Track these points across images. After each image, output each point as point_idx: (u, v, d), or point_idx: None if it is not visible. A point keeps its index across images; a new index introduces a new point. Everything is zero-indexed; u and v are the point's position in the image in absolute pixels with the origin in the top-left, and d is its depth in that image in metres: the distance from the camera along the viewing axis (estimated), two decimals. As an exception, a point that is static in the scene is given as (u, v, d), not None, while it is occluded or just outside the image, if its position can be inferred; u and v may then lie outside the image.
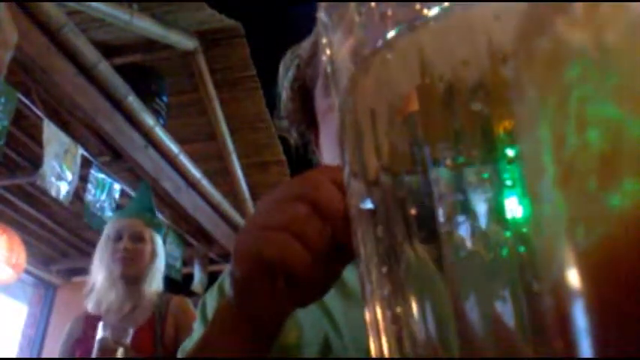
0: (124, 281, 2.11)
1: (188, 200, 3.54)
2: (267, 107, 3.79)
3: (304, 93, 0.73)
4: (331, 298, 0.56)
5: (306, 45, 0.73)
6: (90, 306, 2.14)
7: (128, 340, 1.83)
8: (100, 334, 1.81)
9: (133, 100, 2.87)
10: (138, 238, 2.18)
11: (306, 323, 0.60)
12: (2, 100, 2.18)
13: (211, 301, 0.69)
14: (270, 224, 0.38)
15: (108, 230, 2.23)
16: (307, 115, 0.73)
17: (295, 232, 0.37)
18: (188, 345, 0.66)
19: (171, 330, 2.06)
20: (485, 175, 0.19)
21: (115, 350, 1.79)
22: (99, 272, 2.16)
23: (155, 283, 2.20)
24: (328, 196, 0.38)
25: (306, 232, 0.37)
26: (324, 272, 0.39)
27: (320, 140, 0.71)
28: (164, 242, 3.47)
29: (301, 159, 0.81)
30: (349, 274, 0.41)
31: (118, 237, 2.17)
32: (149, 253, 2.19)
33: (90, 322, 2.10)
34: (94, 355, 1.79)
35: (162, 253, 2.28)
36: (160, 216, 2.65)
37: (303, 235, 0.37)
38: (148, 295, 2.13)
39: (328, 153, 0.68)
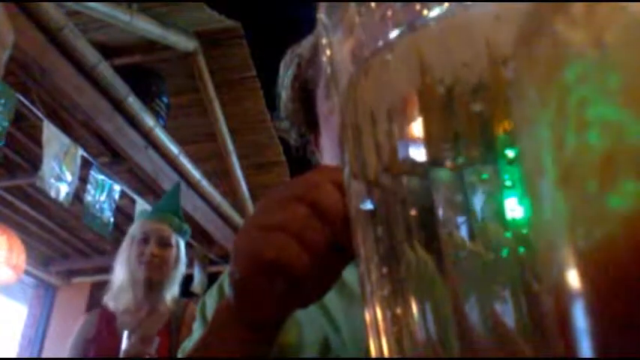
0: (145, 285, 2.09)
1: (188, 201, 3.53)
2: (267, 108, 3.79)
3: (305, 93, 0.72)
4: (331, 298, 0.56)
5: (307, 44, 0.72)
6: (110, 305, 2.13)
7: (154, 349, 1.83)
8: (125, 343, 1.81)
9: (132, 101, 2.87)
10: (165, 244, 2.15)
11: (306, 323, 0.60)
12: (2, 100, 2.18)
13: (211, 301, 0.69)
14: (269, 225, 0.38)
15: (134, 231, 2.19)
16: (308, 116, 0.73)
17: (295, 233, 0.37)
18: (188, 345, 0.66)
19: (187, 336, 2.04)
20: (486, 176, 0.19)
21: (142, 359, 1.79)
22: (121, 272, 2.13)
23: (174, 289, 2.18)
24: (328, 196, 0.38)
25: (306, 233, 0.37)
26: (324, 273, 0.39)
27: (321, 141, 0.71)
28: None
29: (301, 159, 0.81)
30: (349, 274, 0.41)
31: (145, 240, 2.13)
32: (173, 258, 2.17)
33: (105, 320, 2.09)
34: None
35: (184, 260, 2.26)
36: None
37: (302, 236, 0.37)
38: (165, 301, 2.12)
39: (329, 154, 0.68)
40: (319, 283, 0.40)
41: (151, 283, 2.09)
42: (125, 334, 1.83)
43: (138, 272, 2.08)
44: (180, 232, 2.27)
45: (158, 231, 2.17)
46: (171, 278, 2.15)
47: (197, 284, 3.84)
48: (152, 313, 2.08)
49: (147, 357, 1.82)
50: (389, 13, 0.22)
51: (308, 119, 0.73)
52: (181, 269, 2.21)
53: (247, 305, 0.42)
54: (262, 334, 0.44)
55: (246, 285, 0.40)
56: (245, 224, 0.42)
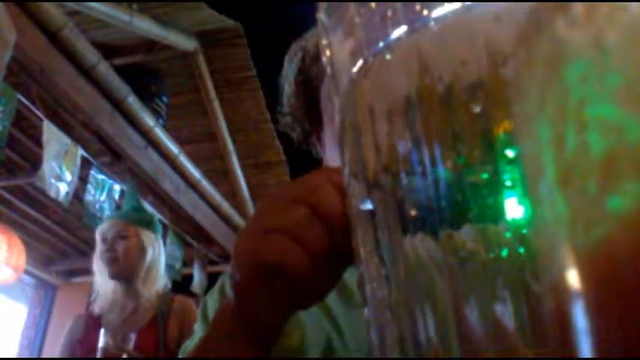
0: (119, 281, 2.14)
1: (188, 201, 3.53)
2: (267, 108, 3.79)
3: (309, 89, 0.71)
4: (333, 299, 0.56)
5: (312, 39, 0.71)
6: (96, 308, 2.17)
7: (131, 345, 1.84)
8: (101, 341, 1.83)
9: (132, 101, 2.87)
10: (120, 237, 2.20)
11: (308, 325, 0.60)
12: (2, 100, 2.18)
13: (212, 302, 0.69)
14: (269, 227, 0.38)
15: (97, 236, 2.28)
16: (311, 112, 0.72)
17: (295, 236, 0.37)
18: (189, 346, 0.66)
19: (174, 331, 2.06)
20: (486, 176, 0.19)
21: (119, 357, 1.80)
22: (97, 277, 2.22)
23: (153, 282, 2.20)
24: (328, 199, 0.37)
25: (306, 236, 0.37)
26: (324, 275, 0.39)
27: (324, 139, 0.71)
28: (164, 243, 3.47)
29: (302, 158, 0.80)
30: (350, 275, 0.41)
31: (104, 239, 2.21)
32: (134, 248, 2.20)
33: (92, 322, 2.12)
34: None
35: (153, 249, 2.27)
36: (153, 214, 2.68)
37: (302, 239, 0.37)
38: (147, 295, 2.14)
39: (332, 154, 0.68)
40: (320, 286, 0.40)
41: (121, 278, 2.14)
42: (102, 332, 1.86)
43: (105, 272, 2.15)
44: (139, 222, 2.30)
45: (113, 227, 2.23)
46: (140, 270, 2.17)
47: (197, 284, 3.84)
48: (136, 310, 2.11)
49: (129, 355, 1.82)
50: (389, 13, 0.22)
51: (311, 115, 0.72)
52: (150, 259, 2.22)
53: (248, 308, 0.42)
54: (263, 336, 0.44)
55: (246, 287, 0.40)
56: (245, 227, 0.42)
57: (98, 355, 1.82)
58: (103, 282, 2.18)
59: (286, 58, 0.75)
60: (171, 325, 2.07)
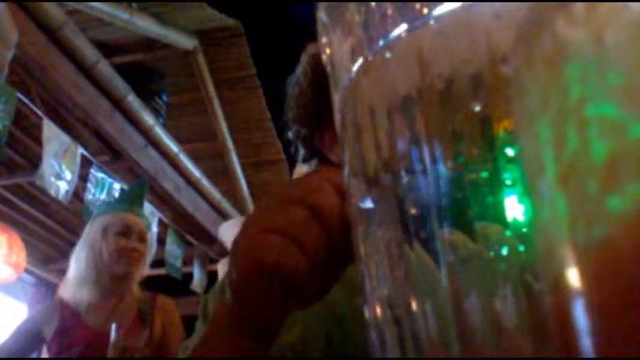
0: (117, 278, 2.01)
1: (188, 199, 3.53)
2: (267, 106, 3.79)
3: (326, 79, 0.69)
4: (334, 292, 0.56)
5: None
6: (69, 297, 2.01)
7: (142, 342, 1.82)
8: (113, 336, 1.79)
9: (132, 100, 2.87)
10: (142, 239, 2.11)
11: (308, 319, 0.60)
12: (2, 99, 2.18)
13: (213, 300, 0.69)
14: (268, 228, 0.38)
15: (109, 222, 2.07)
16: (326, 102, 0.70)
17: (293, 237, 0.37)
18: (189, 344, 0.66)
19: (159, 330, 2.03)
20: (486, 175, 0.19)
21: (133, 354, 1.77)
22: (87, 264, 2.02)
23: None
24: (327, 200, 0.37)
25: (304, 236, 0.37)
26: (322, 276, 0.39)
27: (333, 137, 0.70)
28: (164, 242, 3.47)
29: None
30: (352, 266, 0.41)
31: (125, 234, 2.05)
32: (148, 254, 2.18)
33: (68, 312, 1.99)
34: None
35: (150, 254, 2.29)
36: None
37: (300, 240, 0.37)
38: (133, 290, 2.09)
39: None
40: (318, 286, 0.40)
41: (124, 277, 2.02)
42: (113, 327, 1.81)
43: (116, 266, 1.99)
44: (149, 228, 2.28)
45: (138, 225, 2.11)
46: (141, 272, 2.11)
47: (197, 282, 3.84)
48: (120, 304, 2.02)
49: (142, 354, 1.81)
50: (389, 11, 0.22)
51: (324, 107, 0.71)
52: (147, 264, 2.20)
53: (245, 307, 0.42)
54: (260, 333, 0.44)
55: (244, 288, 0.40)
56: (244, 227, 0.42)
57: (110, 352, 1.77)
58: (93, 273, 1.99)
59: (303, 54, 0.74)
60: (157, 322, 2.03)
